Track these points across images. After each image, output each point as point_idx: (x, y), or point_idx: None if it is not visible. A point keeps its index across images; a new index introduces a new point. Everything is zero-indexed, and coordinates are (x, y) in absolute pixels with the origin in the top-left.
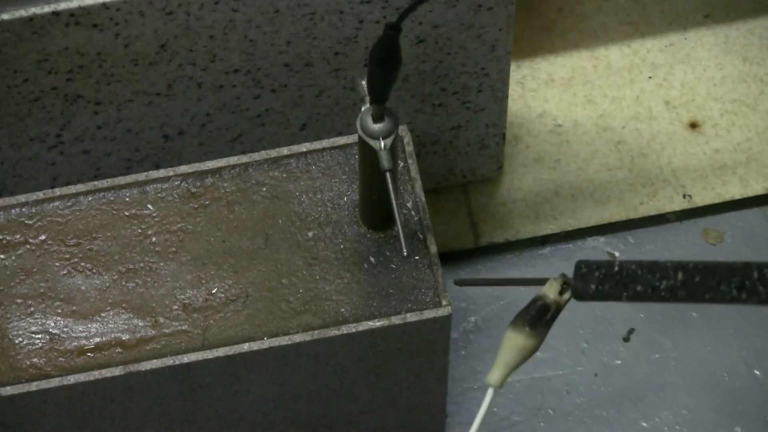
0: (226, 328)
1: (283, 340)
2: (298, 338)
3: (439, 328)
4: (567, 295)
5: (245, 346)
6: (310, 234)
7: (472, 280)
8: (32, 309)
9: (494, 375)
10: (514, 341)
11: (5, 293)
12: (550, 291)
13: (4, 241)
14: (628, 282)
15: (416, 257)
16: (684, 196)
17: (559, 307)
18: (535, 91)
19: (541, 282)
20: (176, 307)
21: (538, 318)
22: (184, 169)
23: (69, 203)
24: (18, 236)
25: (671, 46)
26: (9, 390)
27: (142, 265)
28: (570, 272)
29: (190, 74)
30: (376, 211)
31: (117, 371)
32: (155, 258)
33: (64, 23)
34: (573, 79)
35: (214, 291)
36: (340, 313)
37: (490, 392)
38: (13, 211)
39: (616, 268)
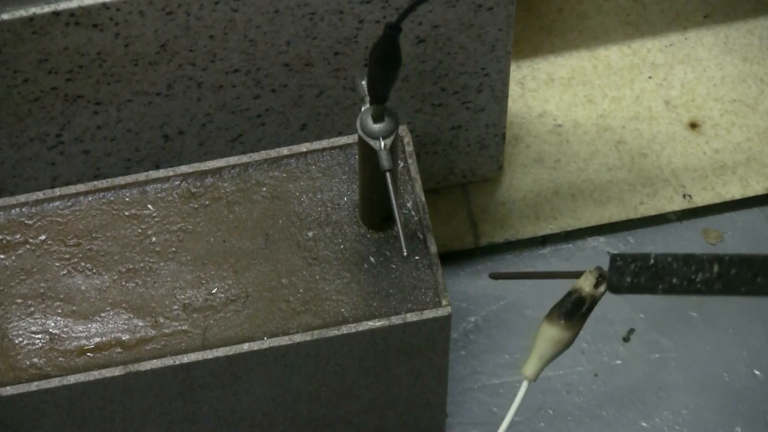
0: (226, 328)
1: (283, 340)
2: (298, 338)
3: (439, 328)
4: (602, 288)
5: (245, 346)
6: (310, 234)
7: (507, 273)
8: (32, 309)
9: (530, 367)
10: (549, 334)
11: (5, 293)
12: (585, 284)
13: (4, 241)
14: (663, 274)
15: (416, 257)
16: (684, 196)
17: (594, 300)
18: (535, 91)
19: (576, 275)
20: (176, 307)
21: (574, 311)
22: (184, 169)
23: (69, 203)
24: (18, 236)
25: (671, 46)
26: (9, 390)
27: (142, 265)
28: (607, 265)
29: (190, 74)
30: (376, 211)
31: (117, 371)
32: (155, 258)
33: (64, 23)
34: (573, 79)
35: (214, 291)
36: (340, 313)
37: (525, 384)
38: (13, 211)
39: (652, 261)
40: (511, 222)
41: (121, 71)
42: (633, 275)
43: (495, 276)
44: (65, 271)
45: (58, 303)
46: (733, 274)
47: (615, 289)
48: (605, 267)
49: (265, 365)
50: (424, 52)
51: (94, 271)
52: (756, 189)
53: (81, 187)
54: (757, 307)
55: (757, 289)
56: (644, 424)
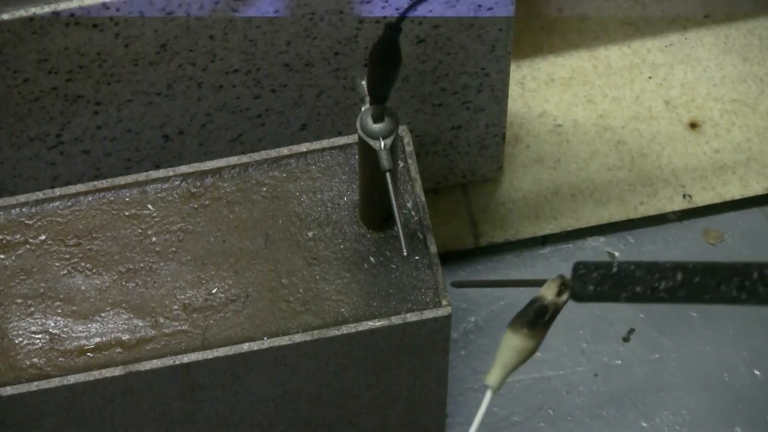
0: (226, 328)
1: (283, 340)
2: (298, 338)
3: (439, 328)
4: (565, 296)
5: (245, 346)
6: (310, 234)
7: (470, 282)
8: (32, 309)
9: (493, 376)
10: (512, 342)
11: (5, 293)
12: (548, 292)
13: (4, 241)
14: (626, 283)
15: (416, 257)
16: (684, 196)
17: (557, 309)
18: (535, 91)
19: (539, 283)
20: (176, 307)
21: (537, 319)
22: (184, 169)
23: (69, 203)
24: (18, 236)
25: (671, 46)
26: (9, 390)
27: (142, 265)
28: (570, 273)
29: (190, 74)
30: (376, 211)
31: (117, 371)
32: (155, 258)
33: (64, 23)
34: (573, 79)
35: (214, 291)
36: (340, 313)
37: (488, 394)
38: (13, 211)
39: (615, 269)
40: (511, 222)
41: (121, 71)
42: (596, 283)
43: (457, 284)
44: (65, 271)
45: (58, 303)
46: (696, 282)
47: (578, 297)
48: None
49: (265, 365)
50: (424, 52)
51: (94, 271)
52: (756, 189)
53: (81, 187)
54: (756, 307)
55: (721, 297)
56: (644, 424)
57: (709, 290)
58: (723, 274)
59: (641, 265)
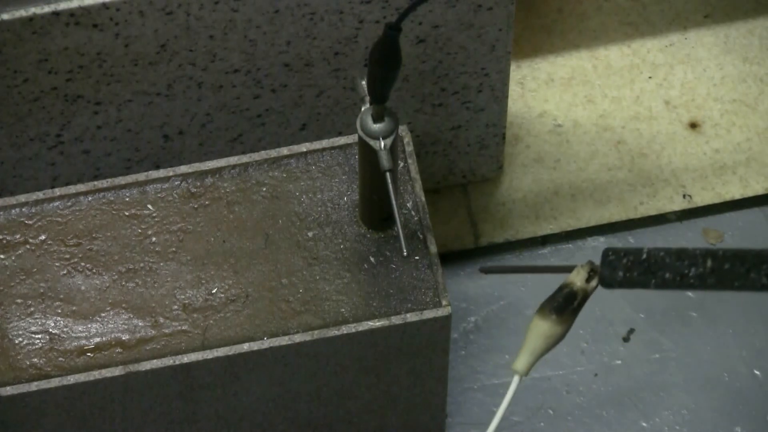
0: (226, 328)
1: (283, 340)
2: (298, 338)
3: (439, 328)
4: (594, 283)
5: (245, 346)
6: (310, 234)
7: (498, 267)
8: (32, 309)
9: (520, 362)
10: (540, 329)
11: (5, 293)
12: (577, 278)
13: (4, 241)
14: (656, 269)
15: (416, 257)
16: (684, 196)
17: (586, 295)
18: (535, 91)
19: (568, 269)
20: (176, 307)
21: (565, 305)
22: (184, 169)
23: (69, 203)
24: (18, 236)
25: (671, 46)
26: (9, 390)
27: (142, 265)
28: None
29: (190, 74)
30: (376, 211)
31: (117, 371)
32: (155, 258)
33: (64, 23)
34: (573, 79)
35: (214, 291)
36: (340, 313)
37: (516, 379)
38: (13, 211)
39: (644, 256)
40: (511, 222)
41: (121, 71)
42: (625, 270)
43: (485, 270)
44: (65, 271)
45: (58, 303)
46: (726, 269)
47: (607, 283)
48: None
49: (265, 365)
50: (424, 52)
51: (94, 271)
52: (756, 189)
53: (81, 187)
54: (757, 307)
55: (750, 284)
56: (644, 424)
57: (738, 277)
58: (753, 261)
59: (671, 252)
